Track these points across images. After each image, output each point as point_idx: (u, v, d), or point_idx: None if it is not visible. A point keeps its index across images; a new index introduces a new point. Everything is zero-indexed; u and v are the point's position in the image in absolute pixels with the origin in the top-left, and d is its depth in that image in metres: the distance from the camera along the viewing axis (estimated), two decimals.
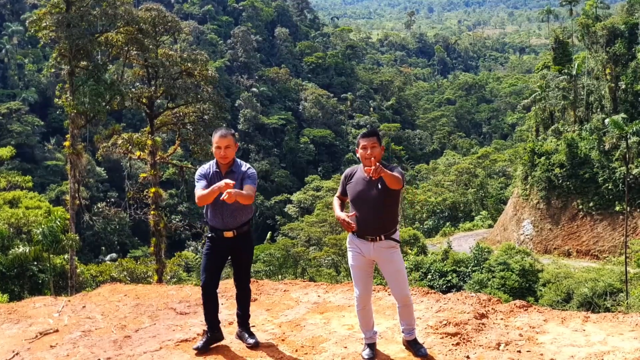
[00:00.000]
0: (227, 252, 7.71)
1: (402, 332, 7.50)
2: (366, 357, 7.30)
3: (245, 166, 7.67)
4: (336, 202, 7.43)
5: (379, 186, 7.09)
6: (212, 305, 7.73)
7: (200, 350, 7.60)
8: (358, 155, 7.21)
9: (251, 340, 7.74)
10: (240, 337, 7.89)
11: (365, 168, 7.12)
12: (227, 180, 7.15)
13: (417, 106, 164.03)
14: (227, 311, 8.88)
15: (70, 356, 7.68)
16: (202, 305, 7.77)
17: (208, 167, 7.67)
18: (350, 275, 7.55)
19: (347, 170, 7.41)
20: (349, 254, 7.38)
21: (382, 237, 7.18)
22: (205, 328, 7.81)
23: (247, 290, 7.87)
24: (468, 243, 69.50)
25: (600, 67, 71.76)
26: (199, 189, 7.42)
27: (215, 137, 7.50)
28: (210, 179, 7.52)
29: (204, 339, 7.72)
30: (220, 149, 7.47)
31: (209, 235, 7.70)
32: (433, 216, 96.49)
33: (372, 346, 7.40)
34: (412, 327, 7.45)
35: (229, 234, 7.56)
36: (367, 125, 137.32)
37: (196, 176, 7.63)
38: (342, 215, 7.09)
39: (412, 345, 7.43)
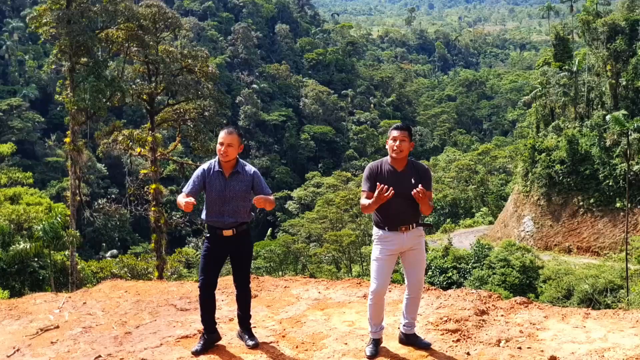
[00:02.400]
0: (226, 251, 7.64)
1: (404, 326, 7.49)
2: (368, 353, 7.27)
3: (250, 168, 7.61)
4: (365, 200, 7.23)
5: (412, 180, 7.18)
6: (210, 306, 7.69)
7: (199, 354, 7.52)
8: (387, 146, 7.29)
9: (251, 342, 7.69)
10: (241, 337, 7.85)
11: (393, 156, 7.25)
12: (187, 200, 7.22)
13: (418, 103, 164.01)
14: (228, 308, 8.88)
15: (71, 352, 7.68)
16: (200, 305, 7.70)
17: (209, 165, 7.58)
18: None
19: (372, 166, 7.36)
20: (377, 248, 7.34)
21: (414, 225, 7.29)
22: (202, 329, 7.76)
23: (247, 291, 7.81)
24: (468, 239, 69.45)
25: (600, 63, 71.69)
26: (182, 194, 7.42)
27: (221, 133, 7.45)
28: (211, 179, 7.46)
29: (201, 342, 7.65)
30: (223, 145, 7.39)
31: (207, 235, 7.62)
32: (433, 213, 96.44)
33: (377, 342, 7.37)
34: (414, 322, 7.49)
35: (228, 233, 7.49)
36: (368, 122, 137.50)
37: (193, 174, 7.58)
38: (372, 198, 7.02)
39: (413, 339, 7.44)
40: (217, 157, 7.58)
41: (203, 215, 7.59)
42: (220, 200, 7.41)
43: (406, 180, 7.17)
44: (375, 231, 7.37)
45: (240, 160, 7.60)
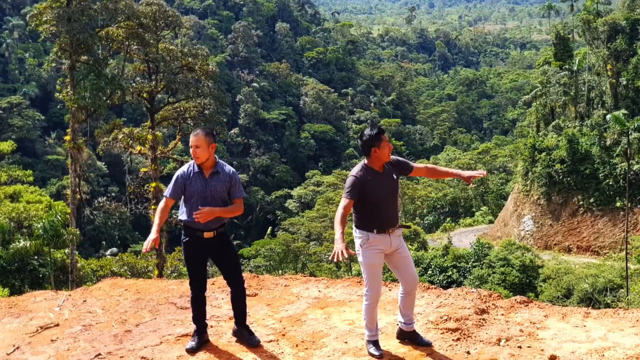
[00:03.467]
0: (207, 254, 7.59)
1: (404, 323, 7.45)
2: (377, 354, 7.20)
3: (229, 168, 7.56)
4: (343, 215, 7.01)
5: (394, 176, 7.23)
6: (202, 310, 7.71)
7: (195, 351, 7.53)
8: (378, 153, 7.17)
9: (251, 340, 7.69)
10: (239, 336, 7.83)
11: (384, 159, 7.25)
12: (150, 241, 7.17)
13: (418, 101, 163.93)
14: (228, 306, 8.87)
15: (71, 350, 7.68)
16: (192, 310, 7.70)
17: (188, 166, 7.53)
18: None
19: (356, 173, 7.14)
20: (368, 253, 7.20)
21: (397, 225, 7.28)
22: (195, 330, 7.74)
23: (241, 290, 7.73)
24: (468, 239, 69.46)
25: (601, 63, 71.67)
26: (168, 195, 7.49)
27: (190, 137, 7.44)
28: (191, 180, 7.42)
29: (196, 339, 7.65)
30: (192, 147, 7.37)
31: (185, 239, 7.55)
32: (433, 212, 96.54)
33: (377, 343, 7.32)
34: (413, 318, 7.48)
35: (209, 235, 7.44)
36: (368, 120, 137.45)
37: (173, 178, 7.55)
38: (342, 247, 6.71)
39: (414, 336, 7.42)
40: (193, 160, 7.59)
41: (183, 217, 7.51)
42: (201, 201, 7.36)
43: (390, 179, 7.21)
44: (361, 234, 7.24)
45: (219, 160, 7.55)
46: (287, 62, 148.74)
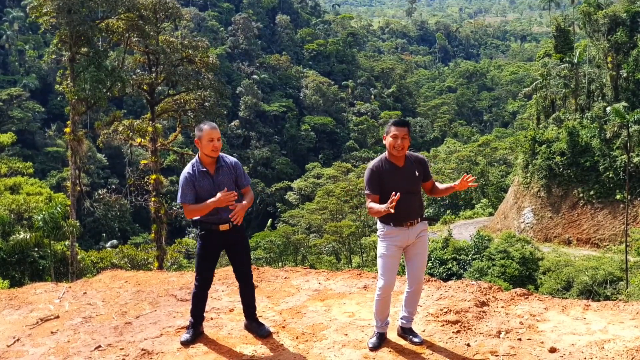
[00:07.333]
0: (222, 246, 7.56)
1: (401, 318, 7.46)
2: (371, 345, 7.24)
3: (230, 159, 7.50)
4: (374, 204, 7.09)
5: (417, 173, 7.20)
6: (203, 304, 7.69)
7: (189, 344, 7.51)
8: (385, 142, 7.19)
9: (261, 331, 7.69)
10: (249, 329, 7.83)
11: (394, 153, 7.15)
12: (226, 194, 7.06)
13: (418, 94, 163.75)
14: (228, 298, 8.88)
15: (71, 342, 7.69)
16: (192, 303, 7.65)
17: (192, 167, 7.38)
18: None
19: (374, 167, 7.17)
20: (383, 244, 7.24)
21: (419, 219, 7.26)
22: (190, 322, 7.72)
23: (251, 285, 7.76)
24: (468, 231, 69.46)
25: (601, 55, 71.55)
26: (189, 202, 7.27)
27: (207, 130, 7.24)
28: (199, 181, 7.31)
29: (191, 331, 7.64)
30: (213, 140, 7.22)
31: (202, 233, 7.47)
32: (433, 204, 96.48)
33: (382, 336, 7.36)
34: (412, 316, 7.46)
35: (225, 227, 7.38)
36: (368, 113, 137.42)
37: (181, 182, 7.35)
38: (385, 205, 6.82)
39: (408, 332, 7.42)
40: (195, 158, 7.45)
41: (196, 217, 7.43)
42: (214, 194, 7.27)
43: (410, 175, 7.16)
44: (380, 227, 7.29)
45: (220, 153, 7.48)
46: (287, 55, 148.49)
